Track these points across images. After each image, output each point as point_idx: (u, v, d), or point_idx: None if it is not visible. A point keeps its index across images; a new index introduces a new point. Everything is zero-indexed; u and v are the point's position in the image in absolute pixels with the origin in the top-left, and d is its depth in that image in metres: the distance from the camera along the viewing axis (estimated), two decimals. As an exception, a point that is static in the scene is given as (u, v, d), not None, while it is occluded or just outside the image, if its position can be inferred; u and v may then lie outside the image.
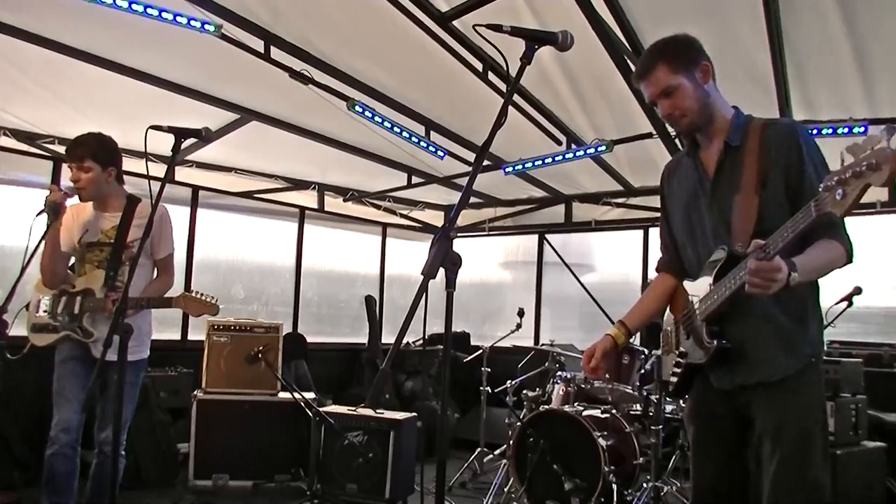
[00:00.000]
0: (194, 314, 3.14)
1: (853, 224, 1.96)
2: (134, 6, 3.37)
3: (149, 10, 3.41)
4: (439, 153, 5.20)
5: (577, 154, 5.12)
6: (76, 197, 3.18)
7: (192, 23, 3.51)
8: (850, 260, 1.93)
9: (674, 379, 2.18)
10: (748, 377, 1.99)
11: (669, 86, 2.05)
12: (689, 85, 2.06)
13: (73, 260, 3.26)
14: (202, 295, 3.12)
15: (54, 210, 3.04)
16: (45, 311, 3.17)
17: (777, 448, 1.92)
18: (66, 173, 4.95)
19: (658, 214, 7.15)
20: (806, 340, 1.99)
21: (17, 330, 3.28)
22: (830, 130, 4.26)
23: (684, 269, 2.25)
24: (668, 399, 4.52)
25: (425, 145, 5.06)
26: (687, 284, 2.19)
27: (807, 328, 2.00)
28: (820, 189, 1.60)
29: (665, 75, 2.05)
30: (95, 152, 3.10)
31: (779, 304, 1.94)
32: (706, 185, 2.12)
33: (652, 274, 7.01)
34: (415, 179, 6.51)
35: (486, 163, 4.02)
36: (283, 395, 4.73)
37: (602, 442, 3.91)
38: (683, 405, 4.51)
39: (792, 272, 1.74)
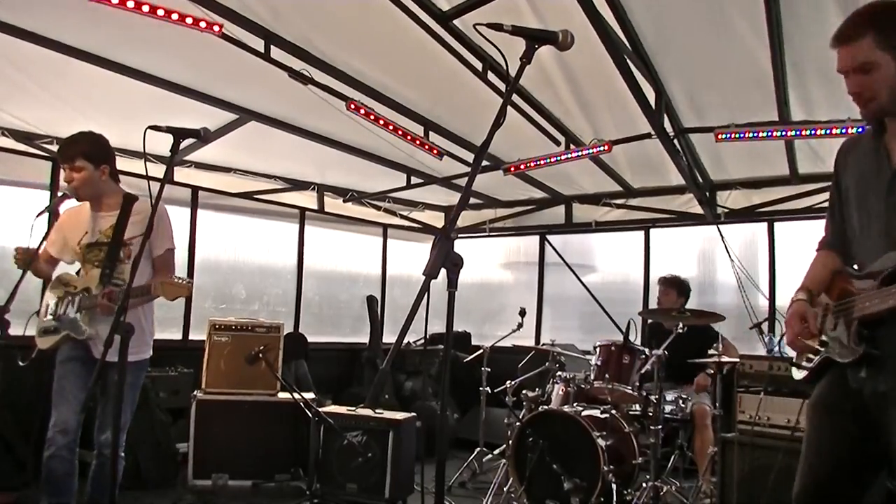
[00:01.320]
0: (170, 297, 2.97)
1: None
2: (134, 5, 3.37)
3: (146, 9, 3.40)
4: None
5: (578, 154, 5.12)
6: (74, 200, 3.19)
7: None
8: None
9: (807, 364, 2.05)
10: (893, 386, 1.82)
11: (869, 62, 1.81)
12: (892, 65, 1.80)
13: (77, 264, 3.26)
14: (177, 278, 3.03)
15: (27, 263, 3.03)
16: (49, 315, 3.17)
17: None
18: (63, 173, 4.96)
19: (659, 216, 7.10)
20: None
21: (17, 330, 3.28)
22: (828, 131, 4.26)
23: (847, 251, 2.09)
24: (680, 401, 4.51)
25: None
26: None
27: None
28: None
29: (869, 48, 1.80)
30: (87, 151, 3.08)
31: None
32: (885, 175, 1.89)
33: (654, 274, 7.03)
34: (414, 180, 6.51)
35: (485, 163, 4.02)
36: (283, 395, 4.73)
37: (601, 442, 3.92)
38: (681, 400, 4.56)
39: None
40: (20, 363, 3.05)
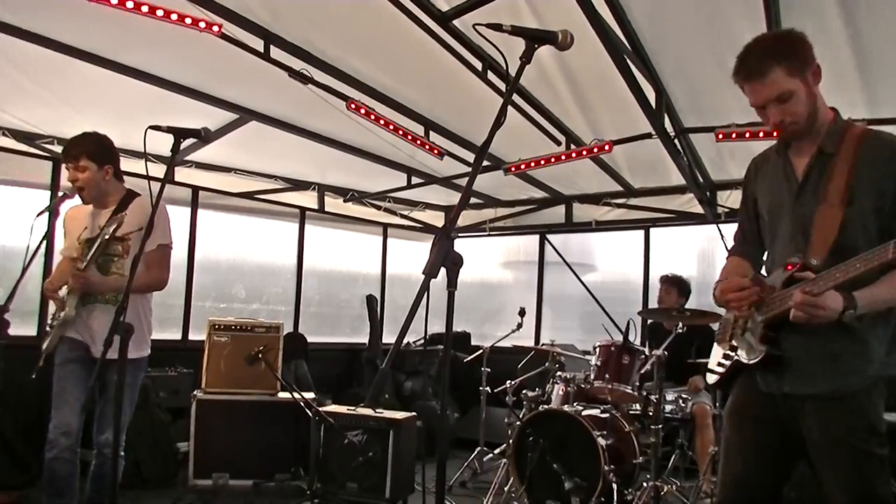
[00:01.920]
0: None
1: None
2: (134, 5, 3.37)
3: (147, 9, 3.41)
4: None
5: (578, 154, 5.11)
6: (76, 198, 3.19)
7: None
8: None
9: (719, 369, 2.13)
10: (797, 387, 1.94)
11: (785, 91, 1.89)
12: (803, 89, 1.91)
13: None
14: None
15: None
16: (51, 317, 3.18)
17: (833, 466, 1.89)
18: (65, 173, 4.98)
19: (659, 215, 7.09)
20: (866, 358, 1.90)
21: (17, 329, 3.28)
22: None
23: (757, 259, 2.21)
24: (680, 400, 4.53)
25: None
26: None
27: (868, 347, 1.90)
28: None
29: (782, 80, 1.88)
30: (91, 151, 3.10)
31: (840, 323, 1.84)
32: (792, 188, 2.02)
33: (654, 274, 7.03)
34: (414, 180, 6.51)
35: (485, 163, 4.02)
36: (283, 394, 4.73)
37: (602, 441, 3.92)
38: (696, 402, 4.56)
39: (847, 310, 1.75)
40: (33, 377, 3.03)
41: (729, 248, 2.38)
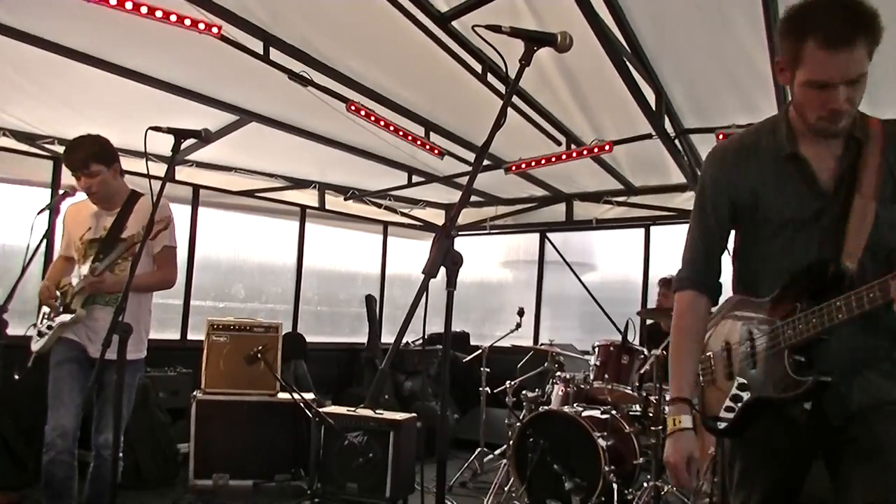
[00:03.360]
0: None
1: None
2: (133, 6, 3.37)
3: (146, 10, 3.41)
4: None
5: (579, 154, 5.12)
6: (76, 196, 3.19)
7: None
8: None
9: (728, 415, 1.76)
10: (866, 398, 1.65)
11: (864, 74, 1.59)
12: (865, 77, 1.61)
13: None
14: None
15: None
16: (45, 318, 3.14)
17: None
18: (66, 173, 4.98)
19: (659, 213, 7.03)
20: None
21: (16, 329, 3.28)
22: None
23: (717, 295, 1.88)
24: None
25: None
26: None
27: None
28: None
29: (864, 59, 1.57)
30: (97, 154, 3.06)
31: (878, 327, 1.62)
32: (818, 189, 1.69)
33: (653, 273, 7.00)
34: (415, 179, 6.52)
35: (486, 163, 4.03)
36: (283, 395, 4.73)
37: (602, 442, 3.92)
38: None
39: None
40: (16, 377, 3.02)
41: (678, 273, 1.93)
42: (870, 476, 1.59)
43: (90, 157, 3.03)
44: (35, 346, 3.13)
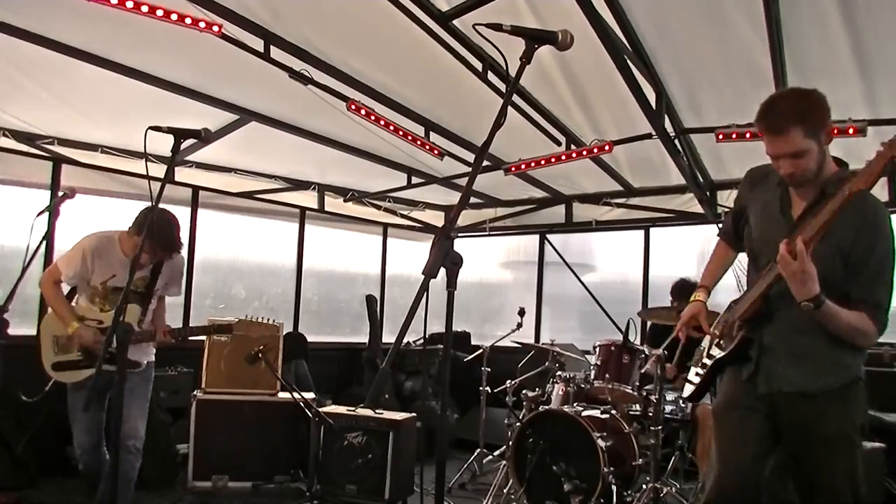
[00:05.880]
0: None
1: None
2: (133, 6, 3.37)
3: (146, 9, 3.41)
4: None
5: (579, 154, 5.11)
6: (76, 197, 3.19)
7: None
8: (872, 342, 2.12)
9: (697, 379, 2.37)
10: (783, 386, 2.16)
11: (800, 150, 2.06)
12: (815, 149, 2.08)
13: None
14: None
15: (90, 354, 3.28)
16: (78, 353, 3.30)
17: (829, 457, 2.10)
18: (66, 174, 4.99)
19: (659, 215, 7.07)
20: (842, 358, 2.14)
21: (17, 329, 3.28)
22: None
23: (741, 246, 2.47)
24: (681, 401, 4.54)
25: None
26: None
27: (844, 349, 2.12)
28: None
29: (801, 139, 2.05)
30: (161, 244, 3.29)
31: (814, 323, 2.06)
32: (783, 227, 2.19)
33: (653, 274, 6.99)
34: (415, 180, 6.51)
35: (485, 163, 4.03)
36: (283, 395, 4.73)
37: (601, 442, 3.91)
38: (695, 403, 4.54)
39: (819, 297, 1.94)
40: (24, 398, 3.29)
41: (720, 230, 2.65)
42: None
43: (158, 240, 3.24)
44: (64, 377, 3.32)
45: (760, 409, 2.22)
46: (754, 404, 2.23)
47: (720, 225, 2.69)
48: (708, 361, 2.33)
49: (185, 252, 3.52)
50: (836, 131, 4.20)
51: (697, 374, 2.41)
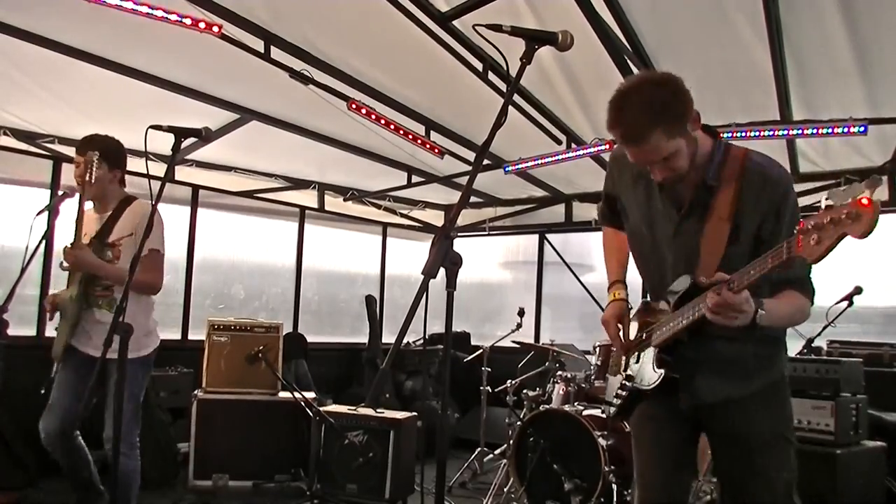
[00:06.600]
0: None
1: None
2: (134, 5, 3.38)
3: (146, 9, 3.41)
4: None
5: (578, 153, 5.12)
6: (76, 197, 3.18)
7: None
8: (809, 314, 1.95)
9: (617, 401, 2.19)
10: (710, 397, 1.99)
11: (669, 153, 1.85)
12: (684, 144, 1.87)
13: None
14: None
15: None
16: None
17: (764, 456, 1.97)
18: (66, 173, 4.98)
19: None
20: (770, 360, 2.01)
21: (16, 329, 3.28)
22: (830, 130, 4.26)
23: (622, 226, 2.31)
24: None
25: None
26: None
27: (777, 346, 2.03)
28: (795, 231, 1.55)
29: (665, 143, 1.83)
30: (102, 149, 3.06)
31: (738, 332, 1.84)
32: (673, 218, 2.02)
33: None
34: (415, 179, 6.51)
35: (486, 162, 4.02)
36: (284, 394, 4.73)
37: (602, 442, 3.91)
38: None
39: (759, 310, 1.73)
40: (42, 392, 3.11)
41: (600, 219, 2.50)
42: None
43: (93, 145, 3.04)
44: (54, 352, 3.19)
45: (679, 416, 2.05)
46: (672, 415, 2.07)
47: (600, 214, 2.52)
48: (628, 384, 2.14)
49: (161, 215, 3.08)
50: (836, 131, 4.22)
51: (618, 395, 2.20)
